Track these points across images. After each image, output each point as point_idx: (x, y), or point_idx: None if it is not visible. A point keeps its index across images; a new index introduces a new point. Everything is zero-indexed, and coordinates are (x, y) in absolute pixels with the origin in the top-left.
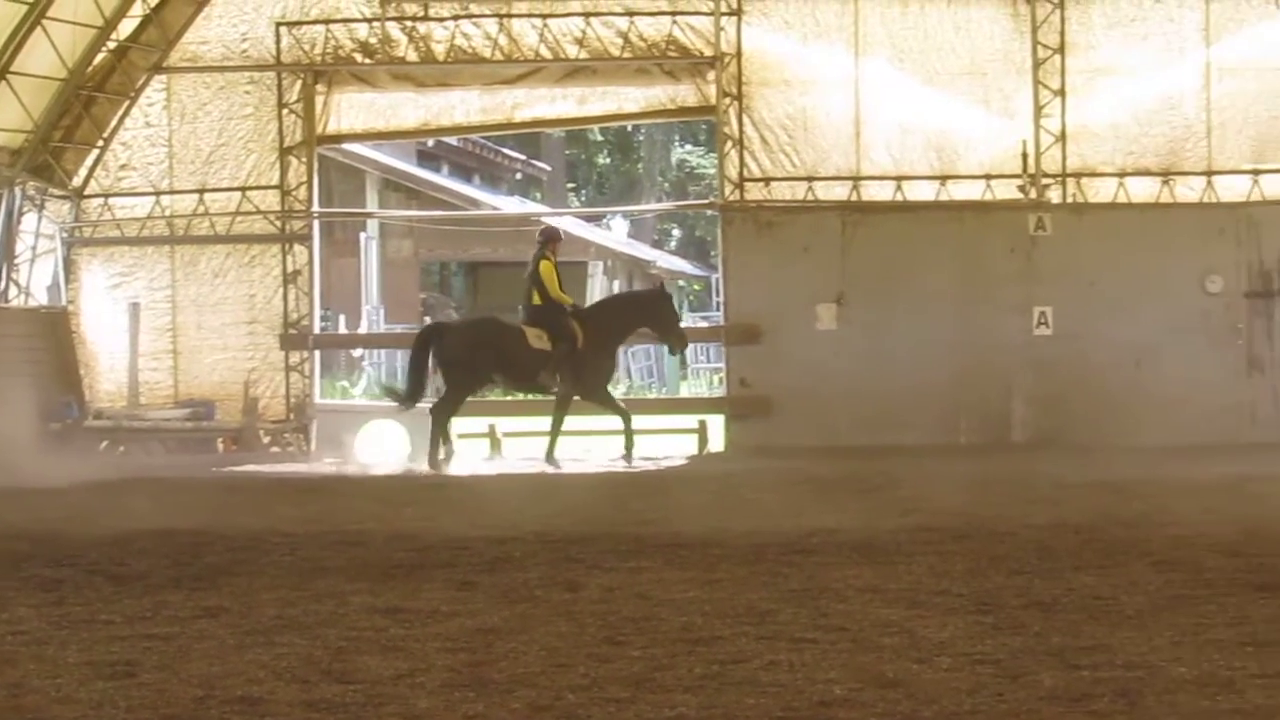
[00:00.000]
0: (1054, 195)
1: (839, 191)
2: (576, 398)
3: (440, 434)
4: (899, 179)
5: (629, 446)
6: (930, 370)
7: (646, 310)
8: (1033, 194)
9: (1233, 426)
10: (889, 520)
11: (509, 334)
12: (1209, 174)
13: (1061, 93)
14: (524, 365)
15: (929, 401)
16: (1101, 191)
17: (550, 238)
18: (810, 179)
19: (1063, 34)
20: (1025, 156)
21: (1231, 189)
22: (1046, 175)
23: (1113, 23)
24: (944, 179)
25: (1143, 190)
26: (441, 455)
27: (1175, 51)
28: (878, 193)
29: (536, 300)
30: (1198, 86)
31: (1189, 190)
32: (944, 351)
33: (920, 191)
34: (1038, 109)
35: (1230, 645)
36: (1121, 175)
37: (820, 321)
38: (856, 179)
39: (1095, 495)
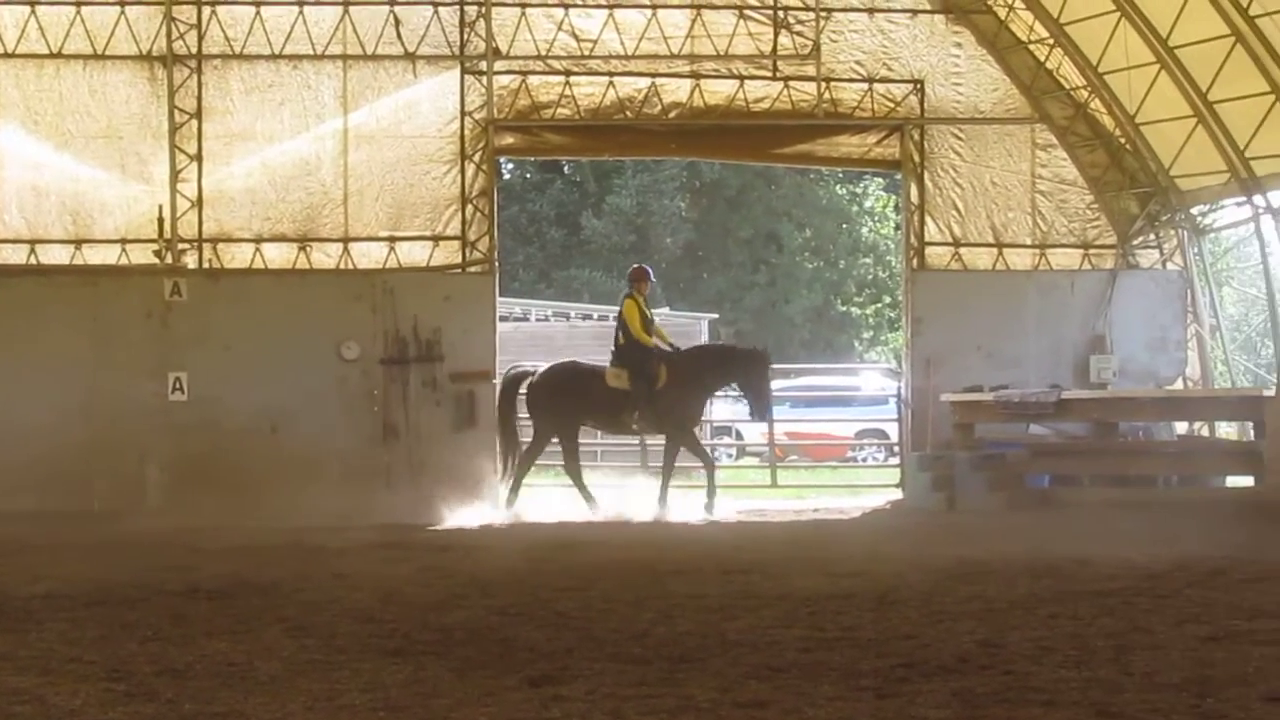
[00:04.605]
0: (190, 260)
1: None
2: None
3: (517, 480)
4: (33, 242)
5: (710, 496)
6: (63, 436)
7: (741, 367)
8: (169, 259)
9: (369, 490)
10: (19, 587)
11: (589, 377)
12: (346, 240)
13: (199, 158)
14: (605, 406)
15: (61, 467)
16: (238, 257)
17: (636, 278)
18: None
19: (200, 99)
20: (161, 222)
21: (368, 256)
22: (183, 240)
23: (250, 88)
24: (79, 243)
25: (280, 256)
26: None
27: (313, 118)
28: (11, 256)
29: (620, 340)
30: (335, 153)
31: (326, 257)
32: (78, 417)
33: (55, 255)
34: (174, 174)
35: (363, 710)
36: (259, 241)
37: None
38: None
39: (231, 560)
